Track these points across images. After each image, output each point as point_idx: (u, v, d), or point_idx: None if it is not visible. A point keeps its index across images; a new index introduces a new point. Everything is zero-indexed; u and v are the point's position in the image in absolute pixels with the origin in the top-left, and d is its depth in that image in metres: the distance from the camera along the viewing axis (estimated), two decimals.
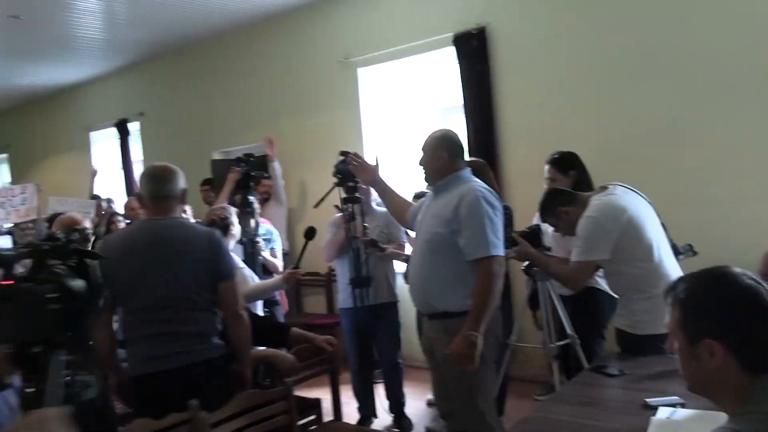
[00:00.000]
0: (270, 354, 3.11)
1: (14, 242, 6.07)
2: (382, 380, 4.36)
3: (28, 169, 10.21)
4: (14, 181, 10.61)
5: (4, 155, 10.85)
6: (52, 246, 1.42)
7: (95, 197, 7.19)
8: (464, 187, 2.80)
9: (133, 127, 8.17)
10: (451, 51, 5.19)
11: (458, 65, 5.18)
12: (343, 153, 3.70)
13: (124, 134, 8.21)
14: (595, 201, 2.84)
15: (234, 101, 7.02)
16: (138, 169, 8.24)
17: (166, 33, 6.82)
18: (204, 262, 2.62)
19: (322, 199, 4.29)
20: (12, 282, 1.31)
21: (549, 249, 3.28)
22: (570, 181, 3.52)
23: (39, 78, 8.40)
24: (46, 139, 9.82)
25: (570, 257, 2.86)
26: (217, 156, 7.03)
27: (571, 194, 3.01)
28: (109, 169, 8.75)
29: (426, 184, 3.15)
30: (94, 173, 8.06)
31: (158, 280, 2.57)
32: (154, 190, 2.64)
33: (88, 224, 5.17)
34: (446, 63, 5.38)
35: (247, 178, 4.81)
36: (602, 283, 3.30)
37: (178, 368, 2.51)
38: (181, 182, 2.69)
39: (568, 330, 3.29)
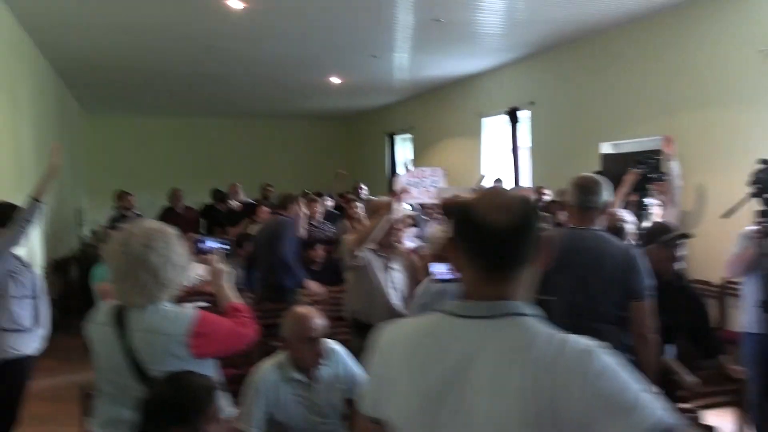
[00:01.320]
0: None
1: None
2: None
3: (427, 149, 11.53)
4: (416, 159, 12.13)
5: (409, 135, 12.43)
6: None
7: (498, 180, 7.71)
8: None
9: (523, 115, 8.55)
10: None
11: None
12: (765, 161, 3.33)
13: (513, 122, 8.66)
14: None
15: (627, 92, 6.82)
16: (524, 156, 8.65)
17: (561, 27, 6.94)
18: (617, 277, 2.66)
19: (734, 209, 3.93)
20: None
21: None
22: None
23: (442, 69, 9.34)
24: (442, 123, 10.94)
25: None
26: (605, 148, 6.96)
27: None
28: (497, 153, 9.37)
29: None
30: (481, 178, 8.55)
31: (569, 287, 2.69)
32: (582, 200, 2.76)
33: None
34: None
35: (645, 180, 4.67)
36: None
37: None
38: (606, 194, 2.76)
39: None
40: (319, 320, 2.70)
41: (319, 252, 6.62)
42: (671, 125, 6.01)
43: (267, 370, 2.66)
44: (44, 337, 3.84)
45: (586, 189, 2.75)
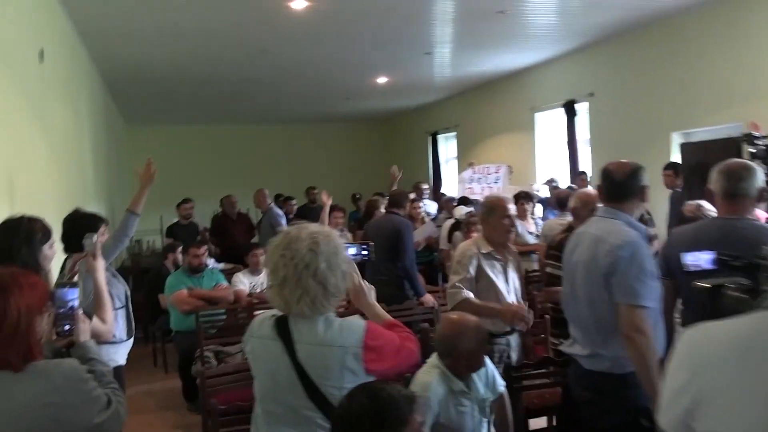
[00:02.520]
0: None
1: None
2: None
3: (473, 147, 11.33)
4: (460, 158, 11.96)
5: (453, 133, 12.25)
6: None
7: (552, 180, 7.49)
8: None
9: (581, 107, 8.33)
10: None
11: None
12: None
13: (570, 115, 8.44)
14: None
15: (700, 79, 6.56)
16: (583, 149, 8.42)
17: (624, 14, 6.68)
18: None
19: None
20: None
21: None
22: None
23: (491, 64, 9.11)
24: (491, 119, 10.74)
25: None
26: (678, 138, 6.72)
27: None
28: (552, 148, 9.16)
29: None
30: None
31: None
32: (728, 187, 2.58)
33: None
34: None
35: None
36: None
37: None
38: (758, 181, 2.57)
39: None
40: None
41: None
42: (754, 112, 5.75)
43: (434, 383, 2.51)
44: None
45: (734, 175, 2.57)
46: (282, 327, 1.94)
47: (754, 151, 4.21)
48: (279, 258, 1.93)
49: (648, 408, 2.44)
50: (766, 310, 1.08)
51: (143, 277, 7.73)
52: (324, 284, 1.90)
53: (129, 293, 3.71)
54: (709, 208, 4.03)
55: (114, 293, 3.50)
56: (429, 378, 2.52)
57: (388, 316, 2.17)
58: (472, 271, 3.35)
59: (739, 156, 5.74)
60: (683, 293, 2.68)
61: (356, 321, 1.97)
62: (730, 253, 1.50)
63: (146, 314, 6.54)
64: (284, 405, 1.93)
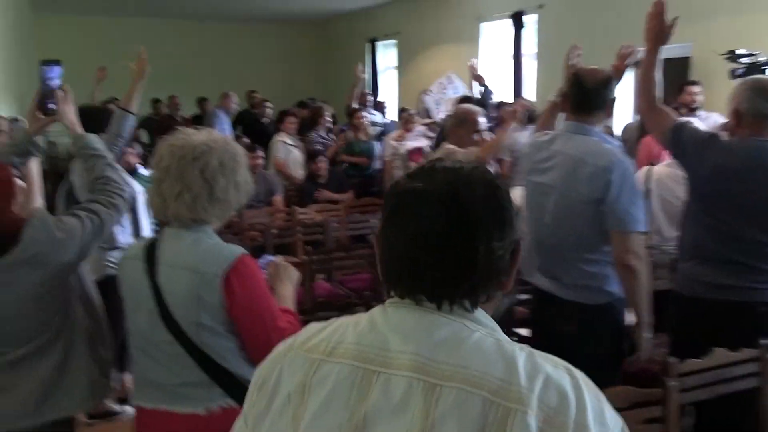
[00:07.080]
0: None
1: None
2: None
3: (415, 56, 10.91)
4: (400, 67, 11.54)
5: (393, 41, 11.74)
6: None
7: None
8: None
9: (529, 19, 8.05)
10: None
11: None
12: None
13: (518, 27, 8.15)
14: None
15: None
16: (529, 64, 8.20)
17: None
18: None
19: None
20: None
21: None
22: None
23: None
24: (435, 28, 10.28)
25: None
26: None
27: None
28: (497, 62, 8.89)
29: None
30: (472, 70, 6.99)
31: (746, 202, 2.32)
32: (762, 107, 2.33)
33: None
34: None
35: None
36: None
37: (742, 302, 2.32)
38: None
39: None
40: None
41: (323, 165, 6.39)
42: (702, 32, 5.67)
43: None
44: None
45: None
46: (150, 247, 1.69)
47: (737, 70, 3.97)
48: (167, 148, 1.66)
49: (626, 334, 2.36)
50: None
51: (60, 182, 7.17)
52: (211, 183, 1.63)
53: (135, 193, 3.49)
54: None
55: None
56: None
57: (291, 303, 1.82)
58: None
59: (687, 74, 5.71)
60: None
61: (233, 247, 1.67)
62: None
63: None
64: (144, 338, 1.67)
